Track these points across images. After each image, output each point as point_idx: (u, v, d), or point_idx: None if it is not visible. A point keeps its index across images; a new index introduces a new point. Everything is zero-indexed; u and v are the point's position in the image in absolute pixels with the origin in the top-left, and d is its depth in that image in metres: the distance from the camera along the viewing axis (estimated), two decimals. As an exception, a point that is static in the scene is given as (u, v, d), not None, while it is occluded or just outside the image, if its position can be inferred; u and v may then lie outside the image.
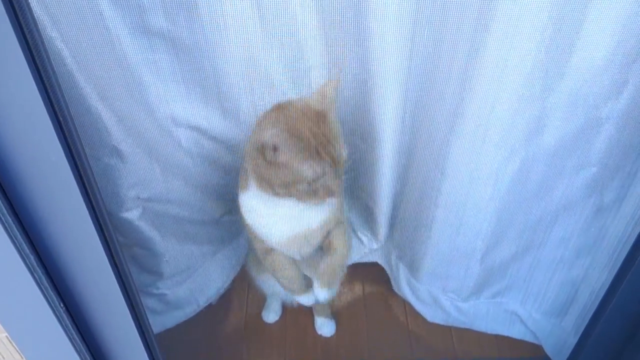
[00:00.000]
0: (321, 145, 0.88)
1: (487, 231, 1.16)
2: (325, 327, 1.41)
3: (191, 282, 1.34)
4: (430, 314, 1.41)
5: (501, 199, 1.09)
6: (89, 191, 0.72)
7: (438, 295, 1.35)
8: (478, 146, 1.01)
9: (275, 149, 0.87)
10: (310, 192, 0.91)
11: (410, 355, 1.38)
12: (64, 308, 0.79)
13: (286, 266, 1.11)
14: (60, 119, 0.64)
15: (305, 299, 1.20)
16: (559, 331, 1.28)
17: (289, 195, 0.91)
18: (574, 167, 1.02)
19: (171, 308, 1.33)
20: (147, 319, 0.94)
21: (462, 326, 1.39)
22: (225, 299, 1.47)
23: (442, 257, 1.26)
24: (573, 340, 1.21)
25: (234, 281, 1.47)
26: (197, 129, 1.10)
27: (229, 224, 1.38)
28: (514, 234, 1.16)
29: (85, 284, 0.80)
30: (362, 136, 1.13)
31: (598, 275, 1.13)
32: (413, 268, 1.36)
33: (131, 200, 1.08)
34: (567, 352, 1.22)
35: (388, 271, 1.47)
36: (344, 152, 0.92)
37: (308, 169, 0.89)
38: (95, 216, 0.74)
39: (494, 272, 1.25)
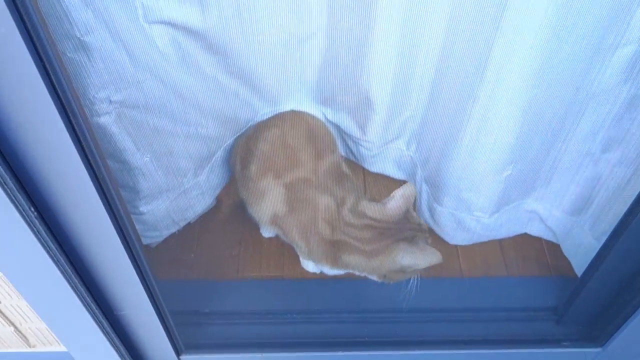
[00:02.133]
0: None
1: (516, 138, 1.10)
2: None
3: (171, 203, 1.29)
4: (451, 236, 1.38)
5: (529, 93, 1.02)
6: (58, 88, 0.64)
7: (462, 216, 1.31)
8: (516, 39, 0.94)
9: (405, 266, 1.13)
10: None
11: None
12: (35, 213, 0.73)
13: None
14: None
15: (313, 266, 1.33)
16: (577, 229, 1.27)
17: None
18: (611, 45, 0.94)
19: (147, 229, 1.28)
20: (134, 231, 0.90)
21: (485, 240, 1.38)
22: (220, 210, 1.43)
23: (471, 175, 1.21)
24: (590, 240, 1.23)
25: (227, 191, 1.43)
26: (171, 24, 1.00)
27: (215, 140, 1.31)
28: (541, 133, 1.11)
29: (62, 195, 0.74)
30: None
31: (625, 171, 1.10)
32: (436, 190, 1.31)
33: (102, 103, 0.98)
34: (584, 252, 1.25)
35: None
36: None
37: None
38: (67, 118, 0.67)
39: (519, 179, 1.21)
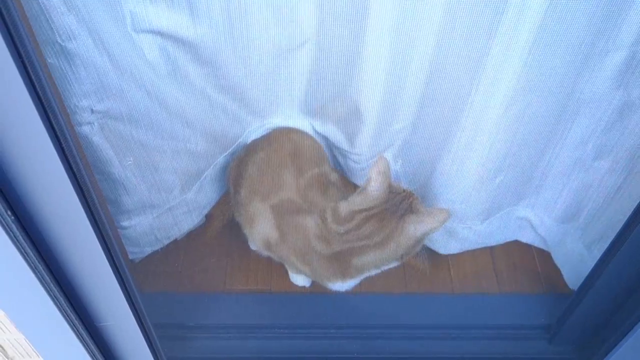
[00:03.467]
0: None
1: (508, 146, 1.10)
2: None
3: (154, 220, 1.27)
4: (443, 247, 1.37)
5: (521, 100, 1.02)
6: (41, 94, 0.64)
7: (454, 227, 1.31)
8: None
9: None
10: None
11: (403, 288, 1.36)
12: (12, 217, 0.72)
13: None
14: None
15: (302, 280, 1.34)
16: (568, 238, 1.28)
17: None
18: (602, 51, 0.95)
19: (128, 244, 1.26)
20: (117, 240, 0.89)
21: (477, 247, 1.38)
22: (208, 225, 1.42)
23: (463, 186, 1.21)
24: (581, 249, 1.24)
25: (218, 208, 1.42)
26: (160, 34, 0.99)
27: (203, 157, 1.29)
28: (533, 141, 1.12)
29: (41, 200, 0.73)
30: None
31: (616, 179, 1.11)
32: (426, 204, 1.29)
33: (83, 112, 0.96)
34: (574, 261, 1.26)
35: None
36: None
37: None
38: (50, 123, 0.66)
39: (511, 185, 1.22)
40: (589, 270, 1.07)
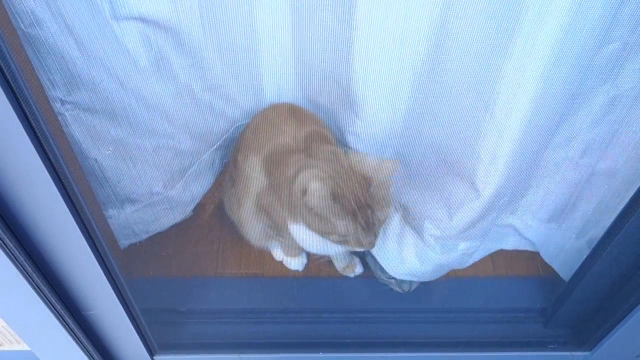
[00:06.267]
0: (360, 208, 0.97)
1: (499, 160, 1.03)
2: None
3: (132, 214, 1.24)
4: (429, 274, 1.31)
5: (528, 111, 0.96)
6: (12, 82, 0.63)
7: (447, 247, 1.23)
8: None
9: (311, 203, 0.95)
10: (344, 242, 1.01)
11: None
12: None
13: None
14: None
15: (295, 263, 1.32)
16: (557, 236, 1.26)
17: (325, 238, 1.01)
18: (592, 47, 0.89)
19: None
20: (102, 226, 0.88)
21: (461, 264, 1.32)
22: (199, 209, 1.41)
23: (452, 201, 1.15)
24: (573, 244, 1.21)
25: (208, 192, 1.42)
26: (142, 19, 0.96)
27: (188, 154, 1.26)
28: (520, 150, 1.05)
29: (18, 186, 0.72)
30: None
31: (606, 175, 1.09)
32: (422, 232, 1.23)
33: (53, 102, 0.93)
34: (566, 256, 1.24)
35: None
36: (382, 216, 1.01)
37: (340, 227, 0.98)
38: (23, 112, 0.65)
39: (494, 197, 1.15)
40: (581, 260, 1.06)
